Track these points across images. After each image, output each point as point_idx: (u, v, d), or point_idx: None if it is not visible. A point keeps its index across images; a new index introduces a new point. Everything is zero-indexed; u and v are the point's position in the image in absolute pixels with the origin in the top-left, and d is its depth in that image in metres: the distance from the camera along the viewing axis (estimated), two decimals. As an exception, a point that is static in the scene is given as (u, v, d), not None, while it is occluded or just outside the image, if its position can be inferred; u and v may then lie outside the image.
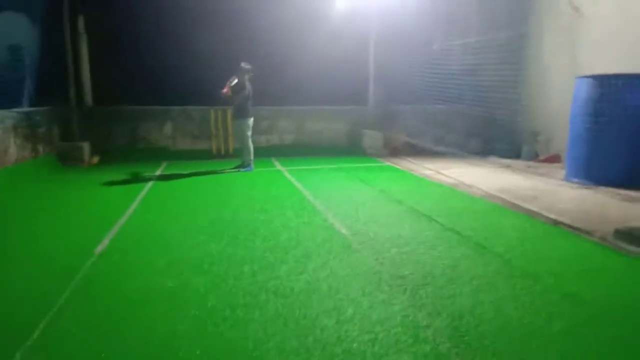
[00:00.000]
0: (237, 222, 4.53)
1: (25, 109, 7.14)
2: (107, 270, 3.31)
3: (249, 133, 7.65)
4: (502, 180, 6.62)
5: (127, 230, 4.25)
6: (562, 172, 6.91)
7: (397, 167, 8.09)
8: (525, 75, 8.29)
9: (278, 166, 8.12)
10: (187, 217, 4.72)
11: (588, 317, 2.64)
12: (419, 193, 5.89)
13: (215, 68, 8.34)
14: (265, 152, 9.15)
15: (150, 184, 6.49)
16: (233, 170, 7.71)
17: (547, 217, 4.67)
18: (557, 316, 2.64)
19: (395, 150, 9.43)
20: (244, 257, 3.55)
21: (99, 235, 4.06)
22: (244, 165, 7.77)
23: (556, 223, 4.50)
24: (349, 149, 9.69)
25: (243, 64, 7.45)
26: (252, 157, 7.73)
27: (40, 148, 7.47)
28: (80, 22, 8.56)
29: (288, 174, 7.29)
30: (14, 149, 6.57)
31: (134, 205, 5.17)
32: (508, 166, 7.82)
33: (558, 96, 7.84)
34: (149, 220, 4.59)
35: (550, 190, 5.92)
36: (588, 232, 4.16)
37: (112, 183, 6.54)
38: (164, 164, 8.33)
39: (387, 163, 8.50)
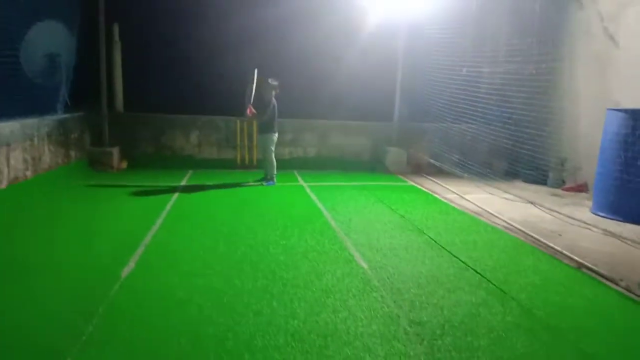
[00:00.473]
0: (258, 247, 4.60)
1: (59, 115, 7.38)
2: (130, 297, 3.42)
3: (273, 148, 7.75)
4: (526, 210, 6.54)
5: (151, 252, 4.37)
6: (589, 203, 6.79)
7: (420, 187, 8.06)
8: (556, 102, 8.15)
9: (300, 181, 8.19)
10: (208, 240, 4.81)
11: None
12: (441, 221, 5.87)
13: (243, 80, 8.46)
14: (288, 165, 9.23)
15: (175, 196, 6.63)
16: (256, 183, 7.82)
17: (570, 258, 4.61)
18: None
19: (418, 168, 9.40)
20: (263, 290, 3.61)
21: (124, 256, 4.18)
22: (267, 179, 7.87)
23: (579, 266, 4.44)
24: (372, 164, 9.70)
25: (270, 80, 7.55)
26: (274, 171, 7.83)
27: (72, 154, 7.72)
28: (115, 30, 8.79)
29: (310, 191, 7.35)
30: (47, 155, 6.81)
31: (159, 221, 5.30)
32: (534, 193, 7.71)
33: (588, 124, 7.70)
34: (171, 242, 4.69)
35: (575, 225, 5.82)
36: (612, 280, 4.09)
37: (139, 192, 6.71)
38: (189, 173, 8.51)
39: (410, 182, 8.48)
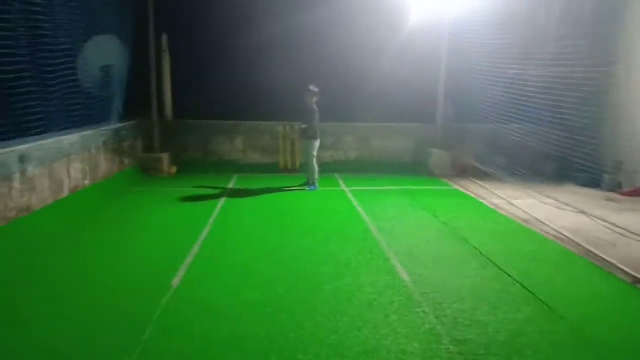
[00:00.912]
0: (301, 256, 4.70)
1: (114, 125, 7.79)
2: (181, 307, 3.59)
3: (315, 153, 7.84)
4: (578, 217, 6.27)
5: (199, 262, 4.55)
6: (648, 211, 6.43)
7: (465, 191, 7.90)
8: (612, 101, 7.74)
9: (342, 186, 8.23)
10: (252, 249, 4.96)
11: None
12: (486, 229, 5.74)
13: (286, 85, 8.62)
14: (330, 168, 9.29)
15: (222, 201, 6.86)
16: (299, 188, 7.95)
17: (624, 272, 4.40)
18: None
19: (463, 171, 9.20)
20: (306, 302, 3.69)
21: (175, 265, 4.39)
22: (309, 183, 7.97)
23: (635, 281, 4.23)
24: (414, 167, 9.58)
25: (311, 87, 7.65)
26: (316, 176, 7.92)
27: (126, 161, 8.13)
28: (164, 41, 9.15)
29: (351, 196, 7.38)
30: (104, 164, 7.22)
31: (206, 230, 5.50)
32: (587, 197, 7.38)
33: (647, 125, 7.26)
34: (217, 252, 4.86)
35: (631, 235, 5.53)
36: (672, 298, 3.87)
37: (188, 198, 7.01)
38: (235, 177, 8.75)
39: (454, 186, 8.33)
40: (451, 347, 3.11)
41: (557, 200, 7.15)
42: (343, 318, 3.46)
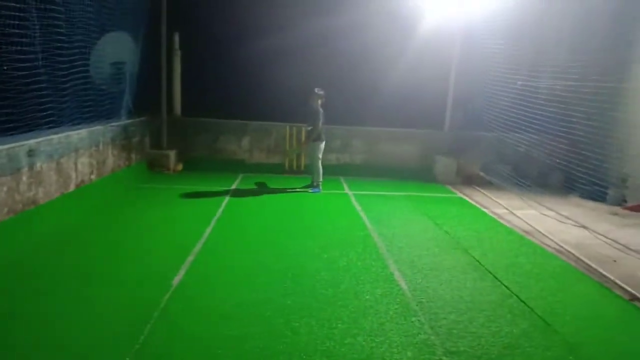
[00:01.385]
0: (301, 260, 4.74)
1: (123, 121, 7.88)
2: (180, 307, 3.65)
3: (320, 155, 7.88)
4: (580, 231, 6.26)
5: (200, 261, 4.61)
6: (651, 227, 6.40)
7: (468, 200, 7.91)
8: (619, 115, 7.69)
9: (346, 189, 8.27)
10: (254, 250, 5.01)
11: None
12: (487, 240, 5.75)
13: (295, 89, 8.66)
14: (335, 171, 9.32)
15: (225, 200, 6.92)
16: (302, 189, 8.00)
17: (623, 290, 4.39)
18: None
19: (468, 179, 9.19)
20: (303, 307, 3.73)
21: (176, 264, 4.45)
22: (312, 185, 8.01)
23: (632, 298, 4.22)
24: (419, 173, 9.58)
25: (316, 90, 7.71)
26: (320, 178, 7.96)
27: (133, 156, 8.22)
28: (176, 39, 9.23)
29: (354, 200, 7.41)
30: (111, 159, 7.30)
31: (208, 229, 5.56)
32: (591, 210, 7.36)
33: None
34: (218, 251, 4.91)
35: (634, 251, 5.52)
36: (669, 318, 3.87)
37: (193, 195, 7.09)
38: (240, 176, 8.82)
39: (458, 194, 8.33)
40: (444, 358, 3.13)
41: (560, 213, 7.13)
42: (338, 324, 3.50)
